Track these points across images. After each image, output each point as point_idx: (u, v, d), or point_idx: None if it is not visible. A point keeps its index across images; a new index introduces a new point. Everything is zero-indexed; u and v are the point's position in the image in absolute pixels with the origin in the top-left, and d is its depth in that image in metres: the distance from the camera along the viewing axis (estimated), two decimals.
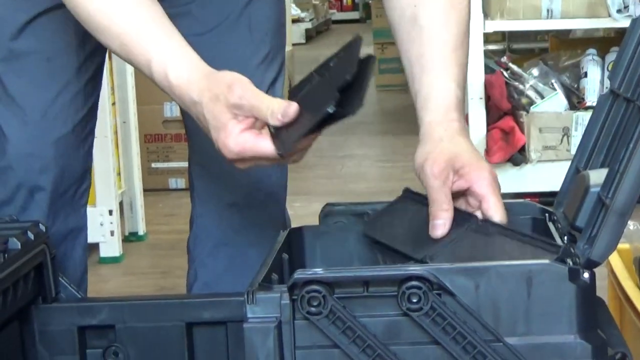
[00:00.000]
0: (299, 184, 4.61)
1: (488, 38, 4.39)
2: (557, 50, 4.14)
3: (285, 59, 1.74)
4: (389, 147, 5.47)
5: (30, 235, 1.33)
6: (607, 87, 1.37)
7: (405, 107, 6.52)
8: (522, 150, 3.72)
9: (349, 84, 1.26)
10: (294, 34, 8.81)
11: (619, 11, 3.63)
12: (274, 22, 1.70)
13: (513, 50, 4.80)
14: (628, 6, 3.61)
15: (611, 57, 3.76)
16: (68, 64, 1.60)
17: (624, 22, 3.53)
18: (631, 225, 1.83)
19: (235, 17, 1.66)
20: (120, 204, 3.71)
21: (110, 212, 3.52)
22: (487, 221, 1.34)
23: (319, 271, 1.15)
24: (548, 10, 3.68)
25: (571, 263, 1.15)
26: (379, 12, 7.54)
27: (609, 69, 3.73)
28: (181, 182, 4.42)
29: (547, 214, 1.41)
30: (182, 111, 1.69)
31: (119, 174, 3.67)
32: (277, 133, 1.31)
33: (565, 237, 1.28)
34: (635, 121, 1.20)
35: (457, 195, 1.37)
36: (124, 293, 3.19)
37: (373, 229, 1.42)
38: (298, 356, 1.15)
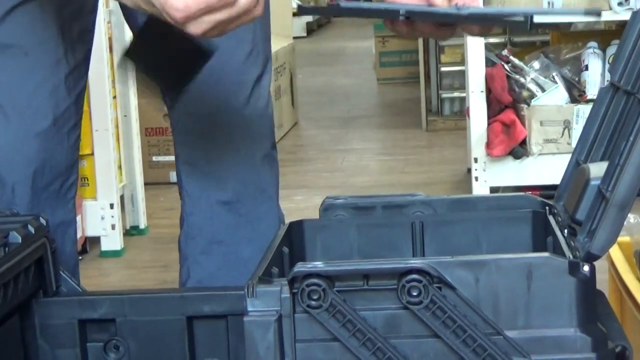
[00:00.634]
0: (300, 177, 4.61)
1: None
2: (558, 43, 4.14)
3: (271, 53, 1.71)
4: (390, 141, 5.47)
5: (31, 229, 1.32)
6: (607, 80, 1.37)
7: (405, 101, 6.52)
8: (523, 143, 3.72)
9: None
10: (295, 27, 8.78)
11: (619, 4, 3.63)
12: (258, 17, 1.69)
13: (514, 44, 4.81)
14: None
15: (612, 50, 3.76)
16: (47, 57, 1.58)
17: (625, 15, 3.53)
18: (631, 218, 1.84)
19: None
20: (121, 197, 3.71)
21: (112, 206, 3.53)
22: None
23: (319, 264, 1.15)
24: (549, 3, 3.68)
25: (571, 256, 1.15)
26: None
27: (610, 61, 3.73)
28: None
29: (547, 207, 1.41)
30: (168, 108, 1.69)
31: (119, 167, 3.67)
32: None
33: (566, 230, 1.28)
34: (635, 114, 1.20)
35: None
36: (125, 287, 3.19)
37: None
38: (298, 349, 1.15)
